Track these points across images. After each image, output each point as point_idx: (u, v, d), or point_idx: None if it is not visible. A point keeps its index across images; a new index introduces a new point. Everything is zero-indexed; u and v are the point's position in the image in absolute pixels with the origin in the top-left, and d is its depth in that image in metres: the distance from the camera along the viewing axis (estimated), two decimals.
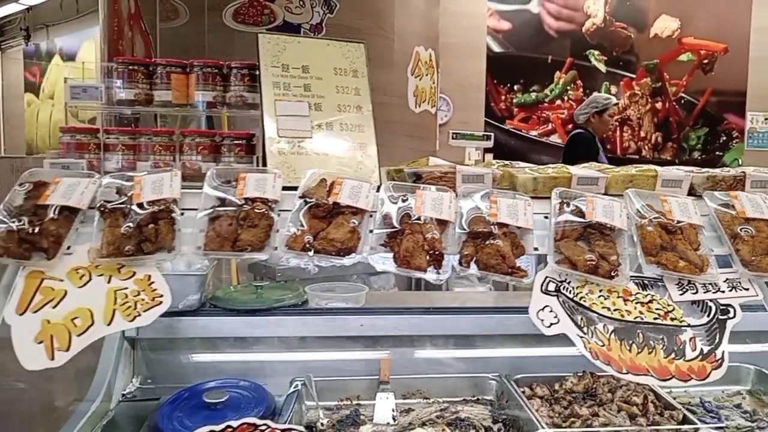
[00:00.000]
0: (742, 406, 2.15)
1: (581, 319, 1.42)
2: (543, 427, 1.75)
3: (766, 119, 7.54)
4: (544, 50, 7.15)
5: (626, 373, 1.35)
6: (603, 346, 1.38)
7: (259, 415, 1.80)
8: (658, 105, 7.38)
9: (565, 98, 7.23)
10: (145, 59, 2.16)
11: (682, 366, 1.37)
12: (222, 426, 1.25)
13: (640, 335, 1.41)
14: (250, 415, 1.84)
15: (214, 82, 2.10)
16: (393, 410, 1.96)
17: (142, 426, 1.79)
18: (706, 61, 7.39)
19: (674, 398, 2.16)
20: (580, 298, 1.45)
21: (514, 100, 7.10)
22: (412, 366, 2.20)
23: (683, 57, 7.35)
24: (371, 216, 1.54)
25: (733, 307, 1.48)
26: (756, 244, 1.56)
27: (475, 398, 2.13)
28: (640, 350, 1.39)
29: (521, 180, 1.69)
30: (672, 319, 1.44)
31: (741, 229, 1.58)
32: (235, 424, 1.25)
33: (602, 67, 7.25)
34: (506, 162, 1.97)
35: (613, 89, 7.29)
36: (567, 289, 1.47)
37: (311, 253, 1.41)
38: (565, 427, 1.88)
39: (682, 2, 7.29)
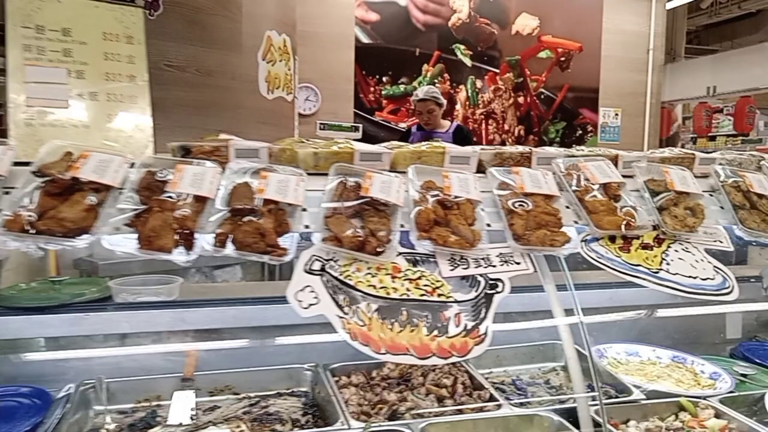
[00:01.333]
0: (550, 382, 2.20)
1: (344, 298, 1.34)
2: (344, 419, 1.68)
3: (616, 115, 8.09)
4: (412, 43, 7.22)
5: (384, 353, 1.28)
6: (363, 326, 1.31)
7: (37, 422, 1.63)
8: (521, 99, 7.69)
9: None
10: None
11: (444, 343, 1.33)
12: None
13: (404, 313, 1.35)
14: (26, 424, 1.65)
15: None
16: (193, 409, 1.82)
17: None
18: (563, 59, 7.80)
19: (487, 378, 2.18)
20: (346, 277, 1.37)
21: (383, 92, 7.11)
22: (225, 360, 2.07)
23: (542, 54, 7.72)
24: (121, 193, 1.38)
25: (503, 282, 1.47)
26: (530, 218, 1.56)
27: (290, 391, 2.04)
28: (402, 328, 1.33)
29: (302, 155, 1.59)
30: (439, 295, 1.40)
31: (516, 204, 1.58)
32: None
33: (468, 61, 7.44)
34: (305, 139, 1.87)
35: (479, 83, 7.51)
36: (333, 267, 1.39)
37: (33, 233, 1.23)
38: (374, 414, 1.83)
39: (541, 2, 7.64)
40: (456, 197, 1.54)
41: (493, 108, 7.56)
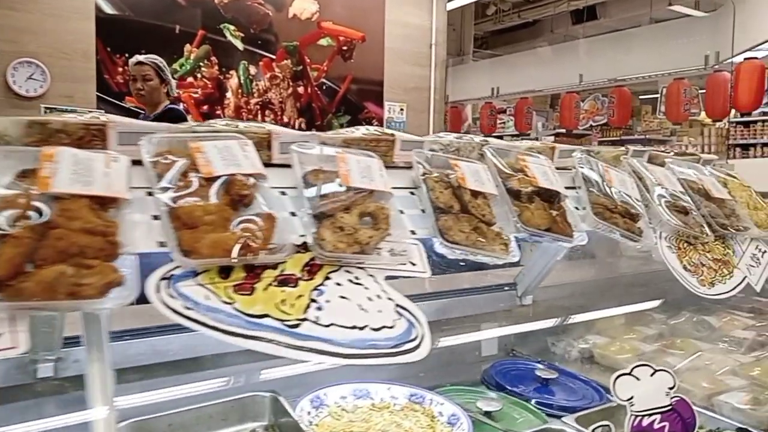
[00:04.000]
0: None
1: None
2: None
3: (401, 110, 7.84)
4: (171, 18, 6.17)
5: None
6: None
7: None
8: (300, 89, 7.05)
9: (199, 75, 6.38)
10: None
11: None
12: None
13: None
14: None
15: None
16: None
17: None
18: (345, 48, 7.31)
19: None
20: None
21: None
22: None
23: (323, 41, 7.15)
24: None
25: None
26: (48, 243, 0.81)
27: None
28: None
29: None
30: None
31: (17, 219, 0.82)
32: None
33: (239, 44, 6.60)
34: None
35: (253, 69, 6.71)
36: None
37: None
38: None
39: None
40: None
41: (270, 98, 6.81)
